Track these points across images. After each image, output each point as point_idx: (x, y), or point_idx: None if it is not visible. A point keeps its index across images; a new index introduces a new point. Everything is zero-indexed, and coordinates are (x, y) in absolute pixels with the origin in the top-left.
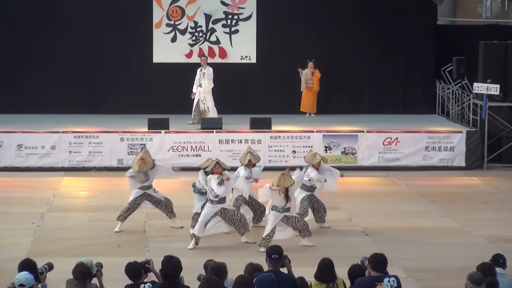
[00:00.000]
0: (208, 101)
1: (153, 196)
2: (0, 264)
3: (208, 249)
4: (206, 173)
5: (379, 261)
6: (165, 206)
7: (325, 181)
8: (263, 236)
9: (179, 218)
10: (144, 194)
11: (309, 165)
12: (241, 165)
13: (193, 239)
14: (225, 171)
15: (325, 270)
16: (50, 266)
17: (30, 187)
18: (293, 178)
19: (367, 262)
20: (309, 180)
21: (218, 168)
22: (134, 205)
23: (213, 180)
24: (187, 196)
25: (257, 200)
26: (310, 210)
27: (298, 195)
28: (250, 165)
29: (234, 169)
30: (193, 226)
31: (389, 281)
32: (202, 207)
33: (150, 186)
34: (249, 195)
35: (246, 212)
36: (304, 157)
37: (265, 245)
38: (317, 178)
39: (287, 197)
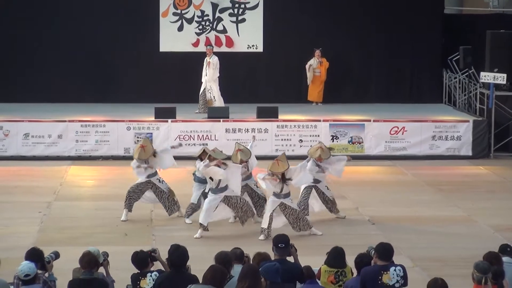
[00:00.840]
0: (214, 90)
1: (157, 186)
2: (7, 253)
3: (215, 238)
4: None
5: (385, 250)
6: (167, 199)
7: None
8: (262, 225)
9: (183, 208)
10: (149, 182)
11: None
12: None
13: (201, 228)
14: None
15: (337, 257)
16: (56, 255)
17: (36, 176)
18: (287, 163)
19: (373, 252)
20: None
21: (204, 155)
22: (136, 191)
23: (199, 164)
24: (189, 186)
25: (258, 193)
26: (320, 201)
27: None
28: (242, 162)
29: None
30: (187, 215)
31: (395, 270)
32: (203, 196)
33: (154, 173)
34: (251, 188)
35: None
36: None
37: (265, 233)
38: (310, 170)
39: (283, 183)
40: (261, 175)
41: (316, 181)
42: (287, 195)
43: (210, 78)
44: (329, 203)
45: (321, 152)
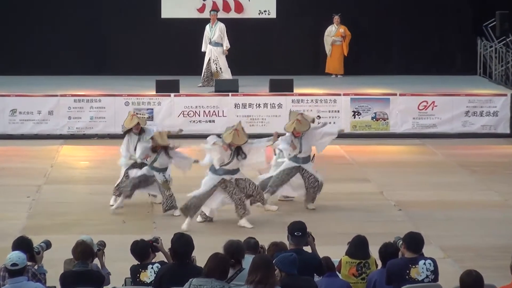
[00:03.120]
0: (220, 60)
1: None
2: None
3: (224, 226)
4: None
5: (414, 241)
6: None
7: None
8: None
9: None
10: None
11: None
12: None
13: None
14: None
15: (360, 246)
16: (47, 244)
17: (25, 156)
18: (245, 137)
19: (400, 242)
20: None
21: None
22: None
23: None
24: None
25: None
26: (303, 186)
27: (281, 163)
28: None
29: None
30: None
31: (424, 263)
32: None
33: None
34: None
35: None
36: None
37: (186, 213)
38: (282, 148)
39: (235, 156)
40: (211, 140)
41: (299, 160)
42: (235, 171)
43: (216, 48)
44: (311, 189)
45: (297, 125)
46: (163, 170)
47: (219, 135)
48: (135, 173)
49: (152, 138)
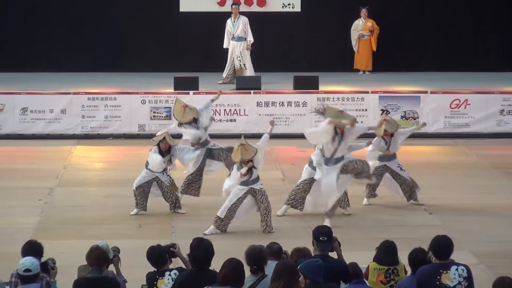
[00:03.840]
0: (244, 56)
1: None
2: (3, 247)
3: (245, 231)
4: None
5: (440, 246)
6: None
7: None
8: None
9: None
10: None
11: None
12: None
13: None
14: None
15: (388, 252)
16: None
17: (36, 157)
18: (253, 148)
19: (432, 256)
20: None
21: (165, 144)
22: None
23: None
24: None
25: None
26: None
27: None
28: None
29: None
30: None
31: (457, 269)
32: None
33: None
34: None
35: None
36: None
37: (220, 227)
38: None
39: (251, 172)
40: (234, 175)
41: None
42: (256, 180)
43: (240, 43)
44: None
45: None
46: (165, 170)
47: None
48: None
49: (163, 139)
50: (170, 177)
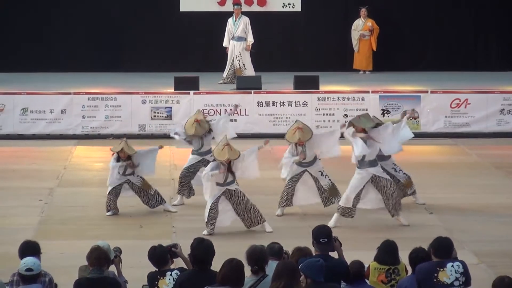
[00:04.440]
0: (243, 56)
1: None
2: (3, 248)
3: (245, 231)
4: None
5: (442, 247)
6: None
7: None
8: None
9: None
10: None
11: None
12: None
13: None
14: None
15: (389, 252)
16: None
17: (36, 158)
18: (237, 151)
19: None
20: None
21: (123, 154)
22: (187, 174)
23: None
24: None
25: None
26: (317, 193)
27: (286, 175)
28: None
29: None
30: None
31: (452, 266)
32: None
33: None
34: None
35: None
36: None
37: (209, 230)
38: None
39: (229, 172)
40: (209, 171)
41: (303, 164)
42: (232, 182)
43: (239, 43)
44: (324, 192)
45: (300, 134)
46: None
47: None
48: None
49: (121, 149)
50: (141, 177)
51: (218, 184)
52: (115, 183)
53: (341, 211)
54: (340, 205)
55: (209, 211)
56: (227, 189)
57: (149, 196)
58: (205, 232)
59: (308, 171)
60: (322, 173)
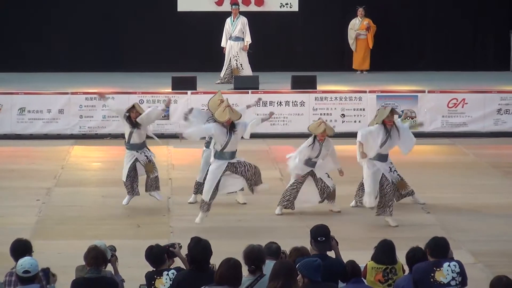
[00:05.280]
0: (241, 56)
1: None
2: (1, 247)
3: (242, 230)
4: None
5: (438, 246)
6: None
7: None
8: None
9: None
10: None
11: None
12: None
13: (202, 209)
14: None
15: (386, 251)
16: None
17: (34, 157)
18: (238, 112)
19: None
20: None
21: (135, 113)
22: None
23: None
24: None
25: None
26: (316, 192)
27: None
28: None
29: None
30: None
31: (449, 265)
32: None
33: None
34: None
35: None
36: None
37: (205, 209)
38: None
39: (231, 133)
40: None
41: (311, 163)
42: (233, 154)
43: (237, 43)
44: (326, 191)
45: (326, 127)
46: (142, 146)
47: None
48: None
49: (133, 106)
50: (148, 157)
51: (219, 157)
52: (128, 164)
53: (382, 210)
54: (373, 205)
55: (212, 191)
56: (228, 162)
57: (149, 179)
58: (198, 220)
59: (314, 172)
60: (328, 175)
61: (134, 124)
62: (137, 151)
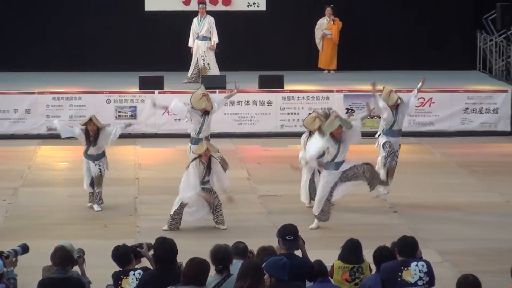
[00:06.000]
0: (208, 56)
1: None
2: None
3: (210, 230)
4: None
5: (406, 245)
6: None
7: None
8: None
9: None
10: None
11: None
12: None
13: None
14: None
15: (353, 250)
16: (24, 249)
17: (0, 157)
18: (216, 148)
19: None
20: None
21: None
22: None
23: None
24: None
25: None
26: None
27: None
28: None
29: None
30: None
31: (417, 265)
32: None
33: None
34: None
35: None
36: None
37: (172, 225)
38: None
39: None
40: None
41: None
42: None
43: (204, 42)
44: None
45: (321, 122)
46: (99, 157)
47: None
48: None
49: (90, 119)
50: (101, 171)
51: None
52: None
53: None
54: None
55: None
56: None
57: (94, 192)
58: (165, 227)
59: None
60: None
61: (91, 141)
62: (93, 162)
